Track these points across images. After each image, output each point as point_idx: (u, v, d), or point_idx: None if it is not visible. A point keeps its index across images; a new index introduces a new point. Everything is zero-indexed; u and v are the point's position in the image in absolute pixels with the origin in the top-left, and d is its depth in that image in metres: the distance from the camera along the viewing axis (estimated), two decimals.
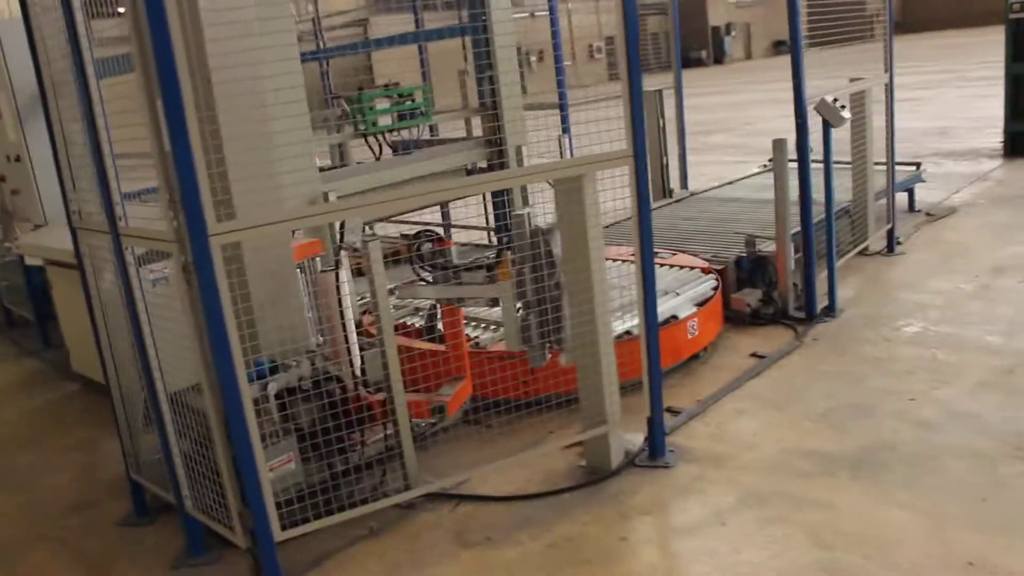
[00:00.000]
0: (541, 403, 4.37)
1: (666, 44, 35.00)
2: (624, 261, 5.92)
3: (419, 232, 4.40)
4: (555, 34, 7.46)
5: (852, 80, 6.40)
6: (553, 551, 3.34)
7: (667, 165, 8.06)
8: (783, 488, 3.58)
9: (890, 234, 6.71)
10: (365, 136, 6.12)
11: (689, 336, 4.85)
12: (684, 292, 5.19)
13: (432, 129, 7.79)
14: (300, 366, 3.83)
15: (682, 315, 4.87)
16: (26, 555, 3.83)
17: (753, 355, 5.01)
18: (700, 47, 37.08)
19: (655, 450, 3.93)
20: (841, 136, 5.53)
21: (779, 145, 5.32)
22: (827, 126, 5.29)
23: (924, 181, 8.05)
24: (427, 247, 4.11)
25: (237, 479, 3.27)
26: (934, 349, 4.80)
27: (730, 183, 8.27)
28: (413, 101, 6.25)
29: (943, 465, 3.60)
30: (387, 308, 3.76)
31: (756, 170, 8.67)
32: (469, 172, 6.67)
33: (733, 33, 35.10)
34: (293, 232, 4.15)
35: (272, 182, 3.91)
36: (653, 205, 7.53)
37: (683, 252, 6.07)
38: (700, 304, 5.06)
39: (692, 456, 3.94)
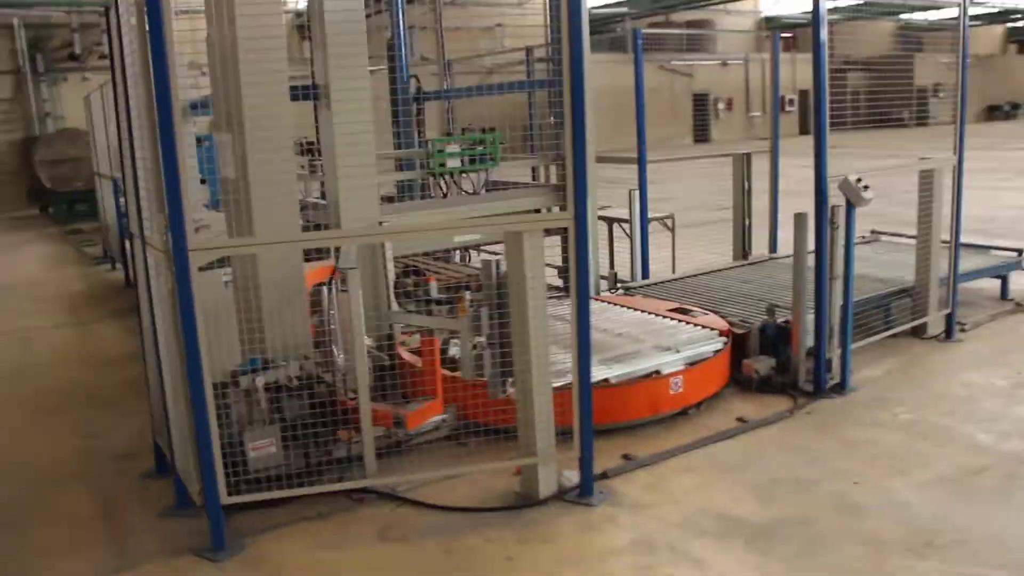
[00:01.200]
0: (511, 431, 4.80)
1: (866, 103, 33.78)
2: (654, 313, 6.22)
3: (406, 268, 4.95)
4: (639, 87, 7.76)
5: (921, 159, 6.39)
6: (446, 557, 3.79)
7: (749, 227, 8.14)
8: (676, 542, 3.81)
9: (949, 319, 6.52)
10: (433, 175, 6.80)
11: (671, 392, 5.09)
12: (685, 350, 5.42)
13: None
14: (289, 366, 4.53)
15: (666, 371, 5.12)
16: (59, 488, 4.74)
17: (739, 419, 5.16)
18: (903, 107, 35.39)
19: (584, 489, 4.25)
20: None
21: (800, 220, 5.44)
22: (849, 205, 5.36)
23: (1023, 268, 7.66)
24: (410, 280, 4.65)
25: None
26: (919, 439, 4.77)
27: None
28: (483, 147, 6.86)
29: (840, 548, 3.70)
30: (360, 326, 4.37)
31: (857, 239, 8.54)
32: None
33: (941, 94, 33.18)
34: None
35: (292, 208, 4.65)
36: (724, 265, 7.73)
37: (718, 313, 6.25)
38: (693, 363, 5.28)
39: (618, 500, 4.23)
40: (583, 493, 4.25)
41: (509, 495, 4.33)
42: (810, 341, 5.54)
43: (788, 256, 8.01)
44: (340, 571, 3.78)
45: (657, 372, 5.11)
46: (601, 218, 8.06)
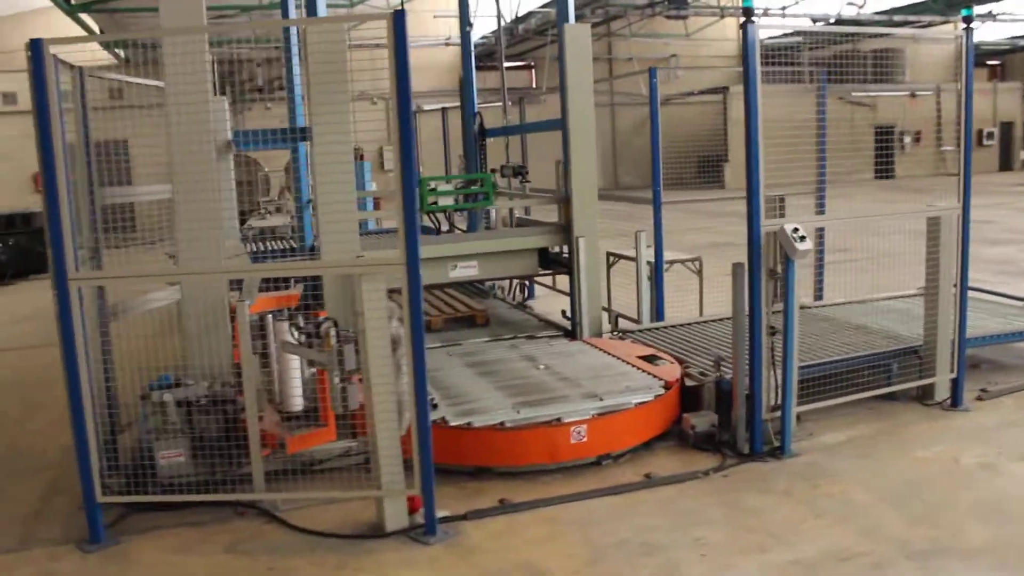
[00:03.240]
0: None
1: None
2: (620, 359, 6.14)
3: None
4: (653, 126, 7.64)
5: (928, 206, 5.92)
6: (267, 573, 4.05)
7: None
8: None
9: (955, 385, 5.89)
10: (425, 212, 7.09)
11: (572, 440, 5.03)
12: (609, 399, 5.33)
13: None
14: (197, 386, 4.99)
15: (568, 419, 5.06)
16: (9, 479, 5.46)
17: (646, 475, 5.01)
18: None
19: (427, 527, 4.35)
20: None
21: (737, 271, 5.20)
22: (787, 258, 5.06)
23: None
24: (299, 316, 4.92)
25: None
26: (815, 516, 4.42)
27: (860, 302, 7.67)
28: (480, 186, 7.08)
29: None
30: (250, 357, 4.73)
31: (912, 292, 7.86)
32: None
33: None
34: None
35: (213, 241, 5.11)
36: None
37: (684, 363, 6.06)
38: (606, 413, 5.18)
39: (456, 543, 4.29)
40: (426, 531, 4.35)
41: (367, 525, 4.51)
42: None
43: (825, 305, 7.63)
44: (173, 573, 4.14)
45: (558, 419, 5.07)
46: (624, 257, 7.98)
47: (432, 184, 6.90)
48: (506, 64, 27.24)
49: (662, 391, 5.49)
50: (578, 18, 21.61)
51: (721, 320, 7.25)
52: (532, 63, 26.58)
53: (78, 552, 4.36)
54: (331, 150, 6.25)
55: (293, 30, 6.95)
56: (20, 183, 20.34)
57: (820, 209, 7.79)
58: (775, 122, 5.33)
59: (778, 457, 5.17)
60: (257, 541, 4.42)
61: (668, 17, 19.91)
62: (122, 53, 21.86)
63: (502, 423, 5.04)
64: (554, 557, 4.10)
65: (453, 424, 5.06)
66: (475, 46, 26.95)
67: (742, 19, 4.89)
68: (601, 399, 5.35)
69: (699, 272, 8.00)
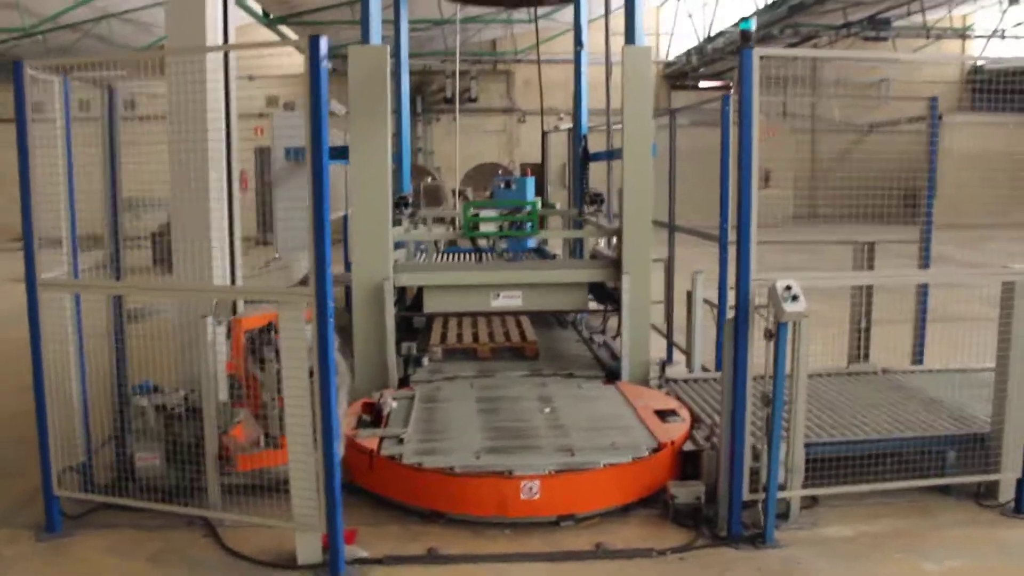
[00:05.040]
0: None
1: None
2: (633, 410, 5.72)
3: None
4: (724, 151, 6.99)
5: (1003, 267, 5.04)
6: None
7: (865, 330, 6.76)
8: None
9: (1020, 486, 4.90)
10: (469, 237, 6.97)
11: (523, 496, 4.69)
12: (582, 454, 4.93)
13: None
14: (173, 395, 5.20)
15: (520, 472, 4.73)
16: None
17: (596, 545, 4.57)
18: None
19: (332, 567, 4.23)
20: None
21: (729, 330, 4.63)
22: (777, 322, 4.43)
23: None
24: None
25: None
26: None
27: (959, 371, 6.59)
28: (528, 213, 6.88)
29: None
30: (220, 376, 4.86)
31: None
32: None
33: None
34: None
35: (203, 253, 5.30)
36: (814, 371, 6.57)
37: (706, 421, 5.51)
38: (562, 470, 4.78)
39: None
40: (331, 570, 4.23)
41: (288, 554, 4.46)
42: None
43: (922, 371, 6.64)
44: (87, 571, 4.32)
45: (509, 472, 4.75)
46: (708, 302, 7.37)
47: (475, 210, 6.77)
48: (701, 84, 26.26)
49: (645, 453, 5.00)
50: (767, 39, 20.52)
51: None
52: (728, 83, 25.55)
53: (33, 540, 4.67)
54: (364, 171, 6.33)
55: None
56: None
57: (924, 262, 6.85)
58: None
59: (757, 545, 4.54)
60: (182, 554, 4.51)
61: (866, 39, 18.31)
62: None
63: (452, 467, 4.81)
64: None
65: (405, 462, 4.91)
66: (667, 65, 26.40)
67: (742, 43, 4.36)
68: (572, 454, 4.96)
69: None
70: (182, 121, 4.92)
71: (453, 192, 18.62)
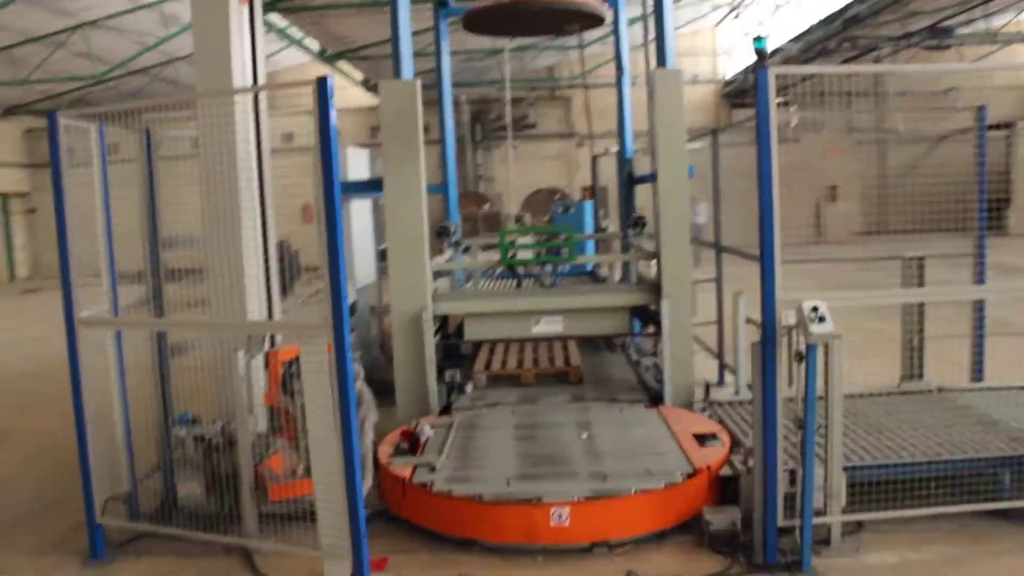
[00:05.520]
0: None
1: None
2: (672, 435, 5.61)
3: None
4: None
5: None
6: None
7: (918, 347, 6.50)
8: None
9: None
10: (506, 265, 6.98)
11: (552, 523, 4.63)
12: (615, 480, 4.86)
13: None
14: (211, 426, 5.31)
15: (549, 499, 4.68)
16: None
17: (627, 573, 4.48)
18: None
19: None
20: None
21: (755, 351, 4.51)
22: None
23: None
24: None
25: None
26: None
27: (991, 388, 6.28)
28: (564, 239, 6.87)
29: None
30: (259, 408, 4.95)
31: None
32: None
33: None
34: None
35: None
36: (866, 391, 6.34)
37: (738, 447, 5.37)
38: (593, 497, 4.71)
39: None
40: None
41: None
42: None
43: (983, 389, 6.35)
44: None
45: (538, 499, 4.70)
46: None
47: (512, 238, 6.79)
48: None
49: (679, 479, 4.90)
50: (824, 53, 20.12)
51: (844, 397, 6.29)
52: (788, 100, 25.10)
53: (80, 566, 4.83)
54: (398, 201, 6.41)
55: None
56: (292, 213, 22.98)
57: (979, 278, 6.59)
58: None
59: (793, 573, 4.38)
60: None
61: (927, 48, 17.78)
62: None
63: (480, 495, 4.79)
64: None
65: (436, 490, 4.91)
66: (727, 83, 26.10)
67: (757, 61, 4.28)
68: (604, 480, 4.89)
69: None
70: (211, 161, 5.06)
71: (511, 218, 18.72)
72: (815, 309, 4.25)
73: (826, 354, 4.40)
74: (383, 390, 6.79)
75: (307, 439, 4.95)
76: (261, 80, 5.89)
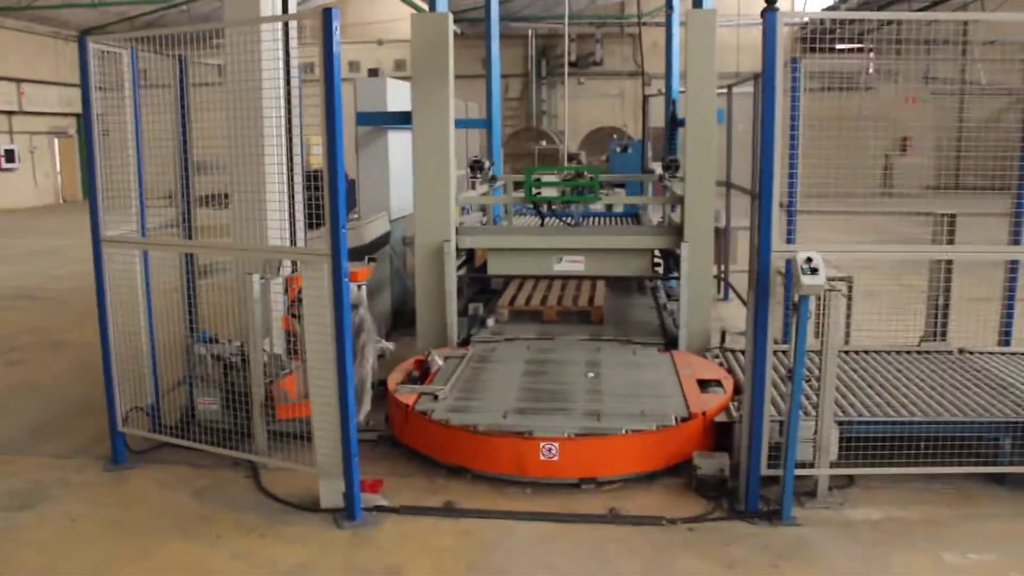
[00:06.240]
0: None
1: None
2: (678, 377, 5.67)
3: None
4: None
5: None
6: (198, 518, 4.53)
7: (943, 306, 6.34)
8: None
9: None
10: (531, 203, 7.02)
11: (541, 457, 4.77)
12: (608, 420, 4.96)
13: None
14: (229, 345, 5.57)
15: (540, 434, 4.80)
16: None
17: (610, 510, 4.60)
18: None
19: (347, 512, 4.47)
20: None
21: (750, 298, 4.50)
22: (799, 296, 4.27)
23: None
24: None
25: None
26: None
27: (1015, 353, 6.11)
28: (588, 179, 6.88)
29: None
30: (256, 327, 5.17)
31: None
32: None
33: None
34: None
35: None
36: (883, 347, 6.24)
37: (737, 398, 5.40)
38: (582, 434, 4.82)
39: (365, 532, 4.37)
40: (347, 516, 4.47)
41: (315, 497, 4.74)
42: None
43: (1009, 352, 6.21)
44: (137, 499, 4.77)
45: (529, 432, 4.84)
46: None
47: (537, 176, 6.81)
48: (839, 46, 24.85)
49: (672, 422, 4.97)
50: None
51: (858, 352, 6.24)
52: (870, 46, 24.01)
53: (100, 470, 5.18)
54: (425, 135, 6.48)
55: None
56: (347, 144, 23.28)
57: (1015, 238, 6.36)
58: None
59: (772, 522, 4.44)
60: (223, 491, 4.88)
61: None
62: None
63: (475, 425, 4.95)
64: (425, 571, 4.01)
65: (435, 418, 5.08)
66: (803, 27, 25.09)
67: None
68: (598, 419, 5.00)
69: (848, 295, 6.91)
70: (236, 90, 5.17)
71: (569, 156, 18.57)
72: (809, 260, 4.21)
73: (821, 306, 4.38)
74: (413, 319, 7.01)
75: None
76: (292, 10, 5.96)
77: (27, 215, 23.15)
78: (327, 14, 4.00)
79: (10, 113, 24.06)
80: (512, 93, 24.32)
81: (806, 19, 21.07)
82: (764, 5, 4.18)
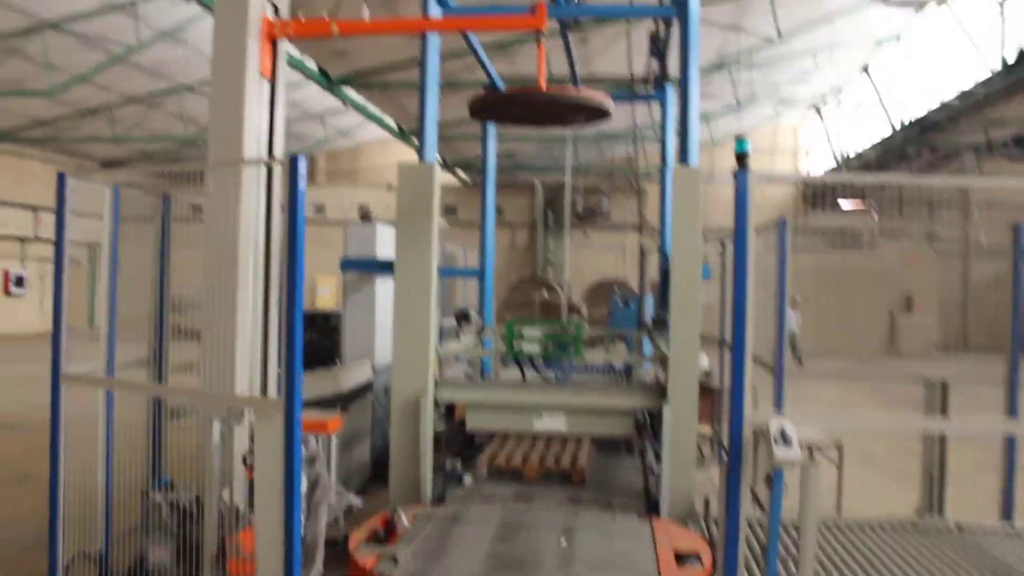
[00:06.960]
0: None
1: None
2: (654, 549, 5.36)
3: None
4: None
5: None
6: None
7: (941, 478, 6.05)
8: None
9: None
10: (512, 357, 6.90)
11: None
12: None
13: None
14: (186, 493, 5.35)
15: None
16: None
17: None
18: None
19: None
20: None
21: (723, 470, 4.29)
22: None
23: None
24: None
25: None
26: None
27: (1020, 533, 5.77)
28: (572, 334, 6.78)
29: None
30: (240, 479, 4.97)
31: None
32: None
33: None
34: None
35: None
36: (877, 523, 5.96)
37: None
38: None
39: None
40: None
41: None
42: None
43: (992, 531, 5.88)
44: None
45: None
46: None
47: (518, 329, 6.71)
48: (841, 203, 25.44)
49: None
50: (903, 158, 19.67)
51: (848, 528, 5.92)
52: (869, 203, 24.53)
53: None
54: (406, 284, 6.45)
55: None
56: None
57: (1011, 406, 6.17)
58: None
59: None
60: None
61: (1012, 160, 17.16)
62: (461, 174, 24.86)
63: None
64: None
65: None
66: (806, 185, 25.77)
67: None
68: None
69: (838, 464, 6.66)
70: (215, 230, 5.15)
71: (569, 308, 18.65)
72: (783, 432, 4.03)
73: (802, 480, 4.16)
74: None
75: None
76: (277, 154, 6.04)
77: (28, 342, 23.22)
78: (293, 161, 4.02)
79: (24, 240, 24.55)
80: (519, 242, 24.73)
81: (791, 180, 21.48)
82: (737, 166, 4.18)
